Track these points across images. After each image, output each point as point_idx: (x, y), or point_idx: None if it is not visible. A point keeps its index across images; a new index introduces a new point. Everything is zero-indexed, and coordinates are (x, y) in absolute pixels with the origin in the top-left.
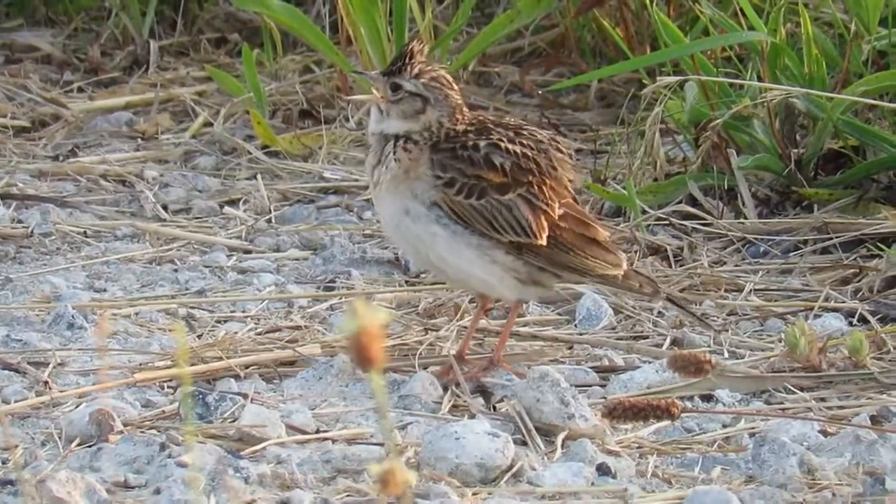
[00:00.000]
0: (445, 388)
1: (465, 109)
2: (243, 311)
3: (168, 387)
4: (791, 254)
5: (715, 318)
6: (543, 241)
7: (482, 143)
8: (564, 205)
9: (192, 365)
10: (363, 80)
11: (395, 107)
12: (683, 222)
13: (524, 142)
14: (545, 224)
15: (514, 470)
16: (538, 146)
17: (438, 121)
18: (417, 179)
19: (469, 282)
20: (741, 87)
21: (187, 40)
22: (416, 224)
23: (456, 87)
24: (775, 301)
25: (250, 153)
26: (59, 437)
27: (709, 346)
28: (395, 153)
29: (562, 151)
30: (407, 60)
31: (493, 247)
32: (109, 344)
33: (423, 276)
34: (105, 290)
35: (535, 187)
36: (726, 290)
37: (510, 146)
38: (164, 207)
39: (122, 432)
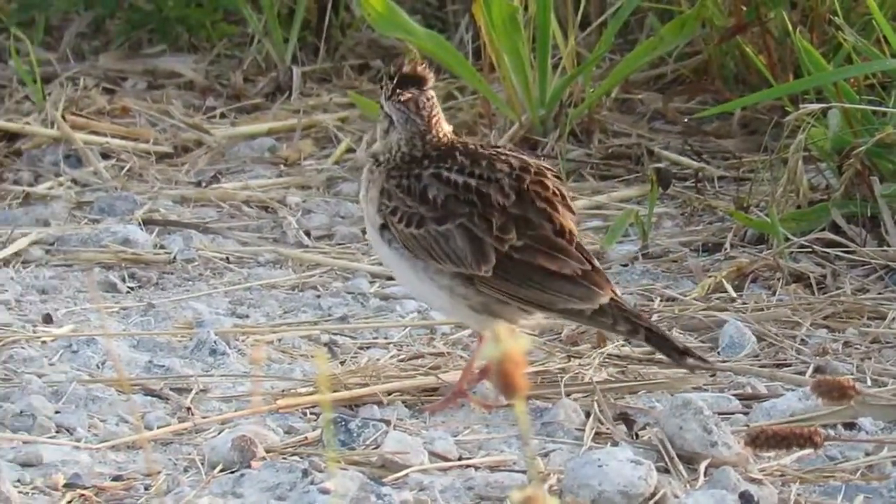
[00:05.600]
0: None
1: (440, 134)
2: (386, 338)
3: (310, 413)
4: None
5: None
6: (484, 273)
7: (426, 173)
8: (532, 237)
9: (335, 391)
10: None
11: (378, 125)
12: (826, 250)
13: (477, 171)
14: (491, 255)
15: (656, 498)
16: (494, 174)
17: (397, 143)
18: (372, 202)
19: (428, 304)
20: (884, 114)
21: (330, 66)
22: (376, 246)
23: (430, 112)
24: None
25: None
26: (202, 464)
27: (852, 373)
28: (369, 172)
29: (545, 178)
30: (390, 81)
31: (438, 272)
32: (252, 370)
33: None
34: (247, 317)
35: (476, 218)
36: (869, 318)
37: (454, 176)
38: (307, 234)
39: (264, 458)
